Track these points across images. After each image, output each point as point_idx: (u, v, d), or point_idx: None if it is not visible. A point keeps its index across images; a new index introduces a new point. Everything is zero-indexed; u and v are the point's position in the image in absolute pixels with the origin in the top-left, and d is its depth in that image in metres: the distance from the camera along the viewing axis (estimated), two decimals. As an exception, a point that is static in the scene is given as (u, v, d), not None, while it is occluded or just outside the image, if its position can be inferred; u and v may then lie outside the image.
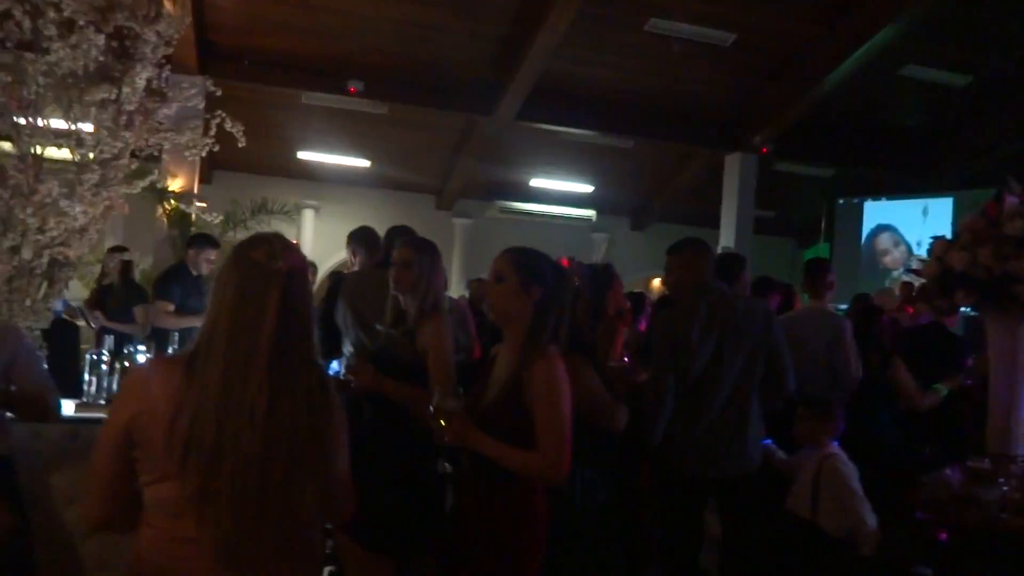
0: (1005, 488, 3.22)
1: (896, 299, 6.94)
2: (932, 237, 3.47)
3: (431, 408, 2.15)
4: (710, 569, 3.48)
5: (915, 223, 9.06)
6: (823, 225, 10.46)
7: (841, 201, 10.05)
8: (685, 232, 12.00)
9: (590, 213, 11.58)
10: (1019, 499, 3.21)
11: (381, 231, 3.94)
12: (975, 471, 3.31)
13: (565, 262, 2.80)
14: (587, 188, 11.21)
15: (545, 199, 11.35)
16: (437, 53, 8.25)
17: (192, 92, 4.51)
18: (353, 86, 8.23)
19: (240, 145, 4.31)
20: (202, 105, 5.09)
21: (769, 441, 3.51)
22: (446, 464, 2.37)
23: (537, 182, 11.03)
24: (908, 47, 8.10)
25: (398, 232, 3.54)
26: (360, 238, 4.12)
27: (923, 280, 3.49)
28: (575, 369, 2.53)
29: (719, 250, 9.54)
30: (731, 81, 8.94)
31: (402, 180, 10.95)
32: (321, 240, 10.70)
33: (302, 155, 10.15)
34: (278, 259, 1.54)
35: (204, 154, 4.45)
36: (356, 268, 4.07)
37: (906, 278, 7.13)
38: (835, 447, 3.38)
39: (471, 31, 7.98)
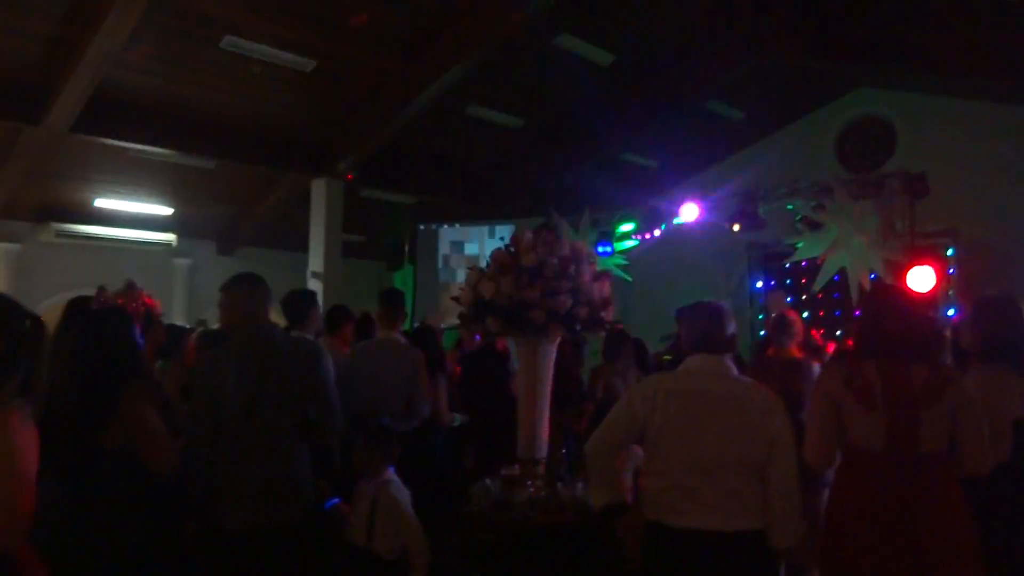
0: (532, 490, 3.67)
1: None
2: (468, 267, 3.82)
3: None
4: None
5: (485, 245, 10.13)
6: (407, 249, 11.07)
7: (421, 227, 10.73)
8: (274, 256, 11.61)
9: (170, 237, 10.69)
10: (544, 497, 3.67)
11: None
12: (508, 478, 3.71)
13: None
14: (165, 210, 10.36)
15: (115, 221, 10.17)
16: (-36, 49, 6.95)
17: None
18: None
19: None
20: None
21: (337, 500, 3.50)
22: None
23: (104, 202, 9.86)
24: (471, 89, 8.98)
25: None
26: None
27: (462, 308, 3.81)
28: (132, 398, 2.52)
29: (308, 274, 9.55)
30: (314, 107, 9.00)
31: (-80, 198, 9.03)
32: None
33: None
34: None
35: None
36: None
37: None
38: (390, 473, 3.52)
39: (12, 27, 6.86)
